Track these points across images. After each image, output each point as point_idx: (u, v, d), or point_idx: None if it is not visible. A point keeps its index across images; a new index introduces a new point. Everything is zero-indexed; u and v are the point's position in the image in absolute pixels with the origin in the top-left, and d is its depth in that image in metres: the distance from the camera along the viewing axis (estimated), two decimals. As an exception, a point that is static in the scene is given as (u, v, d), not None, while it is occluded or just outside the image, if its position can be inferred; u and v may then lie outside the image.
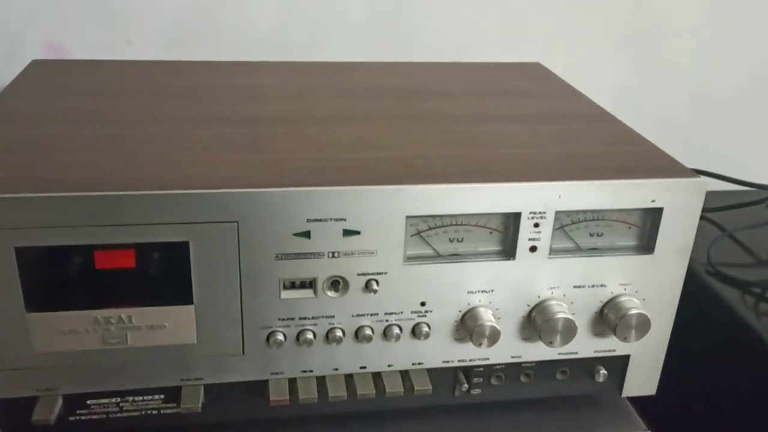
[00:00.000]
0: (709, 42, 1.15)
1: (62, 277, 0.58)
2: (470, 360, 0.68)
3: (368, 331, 0.64)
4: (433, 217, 0.62)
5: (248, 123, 0.73)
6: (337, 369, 0.66)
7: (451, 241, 0.64)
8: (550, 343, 0.66)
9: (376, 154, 0.67)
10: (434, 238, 0.64)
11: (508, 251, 0.65)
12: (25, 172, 0.60)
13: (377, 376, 0.67)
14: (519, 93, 0.89)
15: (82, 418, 0.64)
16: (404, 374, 0.68)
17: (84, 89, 0.82)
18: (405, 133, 0.72)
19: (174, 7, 1.01)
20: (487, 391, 0.71)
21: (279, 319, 0.63)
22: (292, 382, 0.66)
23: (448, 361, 0.68)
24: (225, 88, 0.85)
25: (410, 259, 0.63)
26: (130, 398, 0.65)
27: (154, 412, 0.66)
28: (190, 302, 0.61)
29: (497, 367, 0.70)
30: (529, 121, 0.78)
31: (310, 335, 0.63)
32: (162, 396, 0.65)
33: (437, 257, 0.64)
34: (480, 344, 0.65)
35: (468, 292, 0.65)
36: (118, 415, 0.65)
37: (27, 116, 0.73)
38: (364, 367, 0.67)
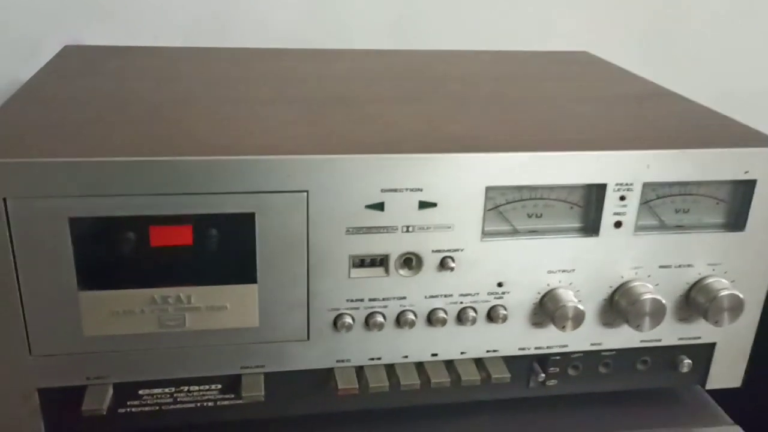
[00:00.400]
0: (733, 39, 1.12)
1: (117, 253, 0.54)
2: (547, 347, 0.64)
3: (442, 314, 0.60)
4: (514, 188, 0.58)
5: (305, 102, 0.69)
6: (406, 356, 0.62)
7: (529, 216, 0.60)
8: (638, 327, 0.61)
9: (449, 127, 0.62)
10: (512, 214, 0.59)
11: (591, 227, 0.60)
12: (79, 138, 0.56)
13: (450, 365, 0.62)
14: (578, 77, 0.85)
15: (133, 410, 0.60)
16: (478, 362, 0.63)
17: (124, 72, 0.79)
18: (473, 114, 0.68)
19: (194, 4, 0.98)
20: (564, 383, 0.66)
21: (347, 301, 0.58)
22: (359, 371, 0.61)
23: (524, 349, 0.63)
24: (270, 73, 0.81)
25: (488, 235, 0.59)
26: (185, 388, 0.60)
27: (211, 403, 0.61)
28: (254, 281, 0.56)
29: (575, 355, 0.65)
30: (600, 101, 0.74)
31: (380, 318, 0.59)
32: (219, 386, 0.60)
33: (515, 234, 0.60)
34: (563, 327, 0.60)
35: (548, 272, 0.61)
36: (172, 406, 0.60)
37: (67, 95, 0.69)
38: (436, 355, 0.62)
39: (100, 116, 0.62)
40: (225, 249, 0.55)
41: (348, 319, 0.58)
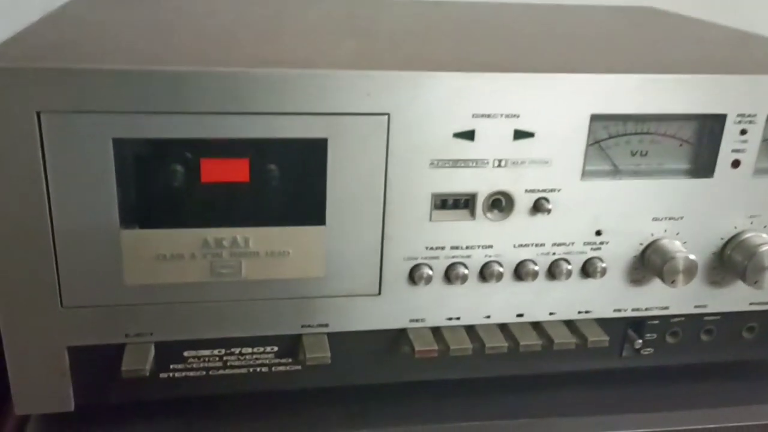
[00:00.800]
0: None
1: (167, 184, 0.46)
2: (646, 309, 0.56)
3: (531, 267, 0.52)
4: (619, 120, 0.51)
5: (378, 33, 0.62)
6: (488, 317, 0.54)
7: (633, 154, 0.52)
8: (756, 283, 0.53)
9: (544, 53, 0.55)
10: (614, 150, 0.52)
11: (703, 167, 0.52)
12: (124, 48, 0.49)
13: (537, 327, 0.54)
14: (658, 25, 0.78)
15: (176, 375, 0.52)
16: (569, 325, 0.55)
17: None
18: (565, 49, 0.61)
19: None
20: (661, 352, 0.58)
21: (427, 249, 0.51)
22: (435, 333, 0.53)
23: (620, 310, 0.55)
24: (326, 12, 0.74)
25: (587, 175, 0.51)
26: (237, 350, 0.52)
27: (265, 369, 0.53)
28: (322, 222, 0.48)
29: (675, 319, 0.57)
30: (694, 41, 0.67)
31: (462, 270, 0.51)
32: (275, 348, 0.52)
33: (617, 174, 0.52)
34: (674, 282, 0.52)
35: (652, 219, 0.53)
36: (221, 371, 0.52)
37: (107, 17, 0.61)
38: (521, 316, 0.54)
39: (146, 34, 0.54)
40: (290, 182, 0.47)
41: (426, 270, 0.51)
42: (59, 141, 0.44)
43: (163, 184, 0.46)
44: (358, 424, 0.53)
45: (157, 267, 0.48)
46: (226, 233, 0.48)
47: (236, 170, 0.47)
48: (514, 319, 0.54)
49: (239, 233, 0.48)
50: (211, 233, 0.48)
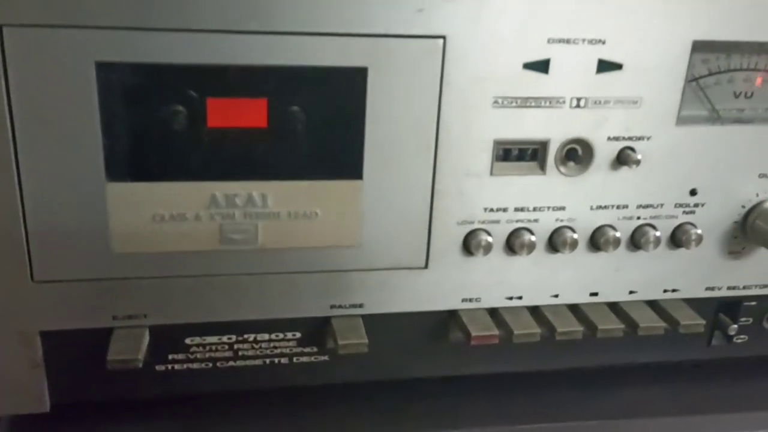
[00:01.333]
0: None
1: (165, 125, 0.37)
2: (743, 287, 0.46)
3: (611, 233, 0.42)
4: (722, 50, 0.41)
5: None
6: (557, 296, 0.44)
7: (736, 96, 0.43)
8: None
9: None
10: (714, 90, 0.42)
11: (821, 113, 0.43)
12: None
13: (615, 308, 0.45)
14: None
15: (176, 367, 0.42)
16: (654, 306, 0.45)
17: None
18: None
19: None
20: (756, 341, 0.49)
21: (486, 210, 0.41)
22: (492, 315, 0.44)
23: (713, 289, 0.46)
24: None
25: (684, 120, 0.41)
26: (251, 336, 0.42)
27: (285, 360, 0.43)
28: (358, 175, 0.39)
29: (776, 301, 0.48)
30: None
31: (528, 237, 0.41)
32: (298, 334, 0.42)
33: (716, 120, 0.42)
34: (787, 251, 0.43)
35: (759, 176, 0.43)
36: (231, 363, 0.42)
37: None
38: (595, 294, 0.45)
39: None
40: (319, 125, 0.38)
41: (484, 237, 0.41)
42: (27, 65, 0.34)
43: (160, 124, 0.36)
44: (399, 429, 0.44)
45: (153, 231, 0.38)
46: (239, 188, 0.38)
47: (251, 113, 0.38)
48: (587, 299, 0.45)
49: (255, 188, 0.38)
50: (221, 188, 0.38)
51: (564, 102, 0.39)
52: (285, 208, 0.39)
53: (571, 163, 0.41)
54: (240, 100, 0.37)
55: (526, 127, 0.40)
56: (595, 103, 0.40)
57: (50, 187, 0.36)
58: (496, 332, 0.42)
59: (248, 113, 0.38)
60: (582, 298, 0.44)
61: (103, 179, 0.36)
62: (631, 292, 0.45)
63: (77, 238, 0.37)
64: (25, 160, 0.35)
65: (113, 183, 0.37)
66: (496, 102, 0.39)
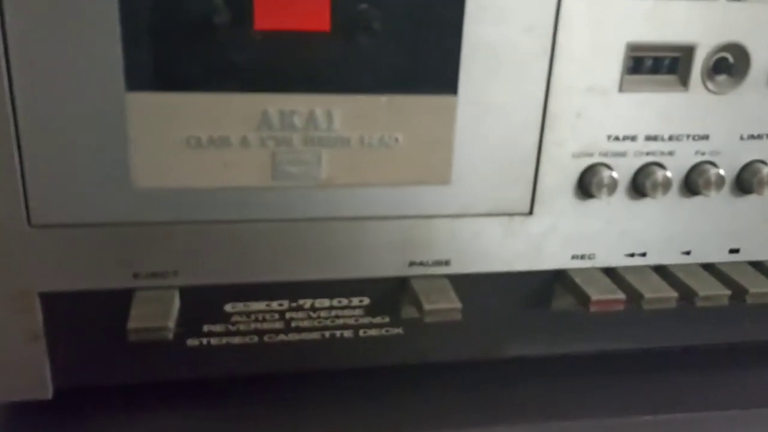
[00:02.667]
0: None
1: (200, 22, 0.28)
2: None
3: (765, 171, 0.33)
4: None
5: None
6: (688, 252, 0.35)
7: None
8: None
9: None
10: None
11: None
12: None
13: (761, 268, 0.36)
14: None
15: (212, 341, 0.33)
16: (807, 266, 0.36)
17: None
18: None
19: None
20: None
21: (610, 138, 0.32)
22: (610, 275, 0.34)
23: None
24: None
25: None
26: (307, 302, 0.33)
27: (349, 332, 0.34)
28: (452, 89, 0.30)
29: None
30: None
31: (661, 174, 0.32)
32: (366, 300, 0.33)
33: None
34: None
35: None
36: (281, 337, 0.33)
37: None
38: (736, 251, 0.36)
39: None
40: (400, 24, 0.29)
41: (606, 174, 0.32)
42: None
43: (194, 20, 0.27)
44: (494, 419, 0.35)
45: (186, 159, 0.29)
46: (298, 103, 0.29)
47: (310, 12, 0.29)
48: (725, 257, 0.35)
49: (319, 104, 0.29)
50: (275, 102, 0.29)
51: (719, -7, 0.30)
52: (356, 131, 0.30)
53: (722, 77, 0.32)
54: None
55: (668, 27, 0.30)
56: (760, -6, 0.31)
57: (51, 97, 0.27)
58: (622, 296, 0.33)
59: (306, 13, 0.29)
60: (720, 255, 0.35)
61: (122, 88, 0.28)
62: (782, 250, 0.36)
63: (87, 169, 0.28)
64: (18, 58, 0.27)
65: (135, 93, 0.28)
66: (631, -9, 0.30)
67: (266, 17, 0.29)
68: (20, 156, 0.28)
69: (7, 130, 0.27)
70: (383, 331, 0.34)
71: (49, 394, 0.32)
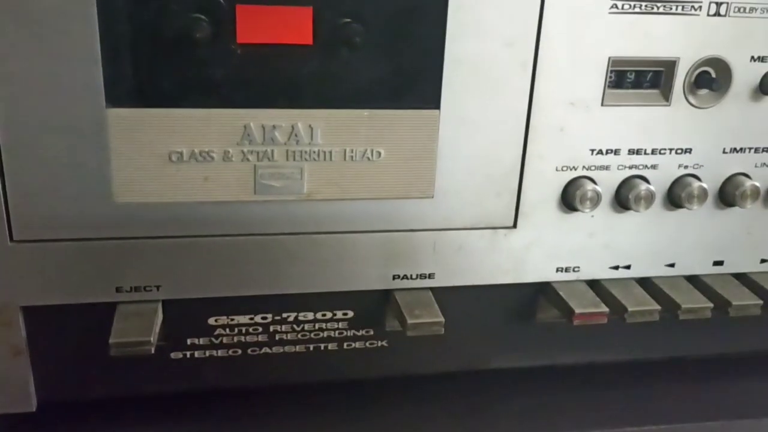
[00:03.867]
0: None
1: (182, 35, 0.28)
2: None
3: (748, 184, 0.33)
4: None
5: None
6: (673, 265, 0.35)
7: None
8: None
9: None
10: None
11: None
12: None
13: (744, 279, 0.36)
14: None
15: (196, 354, 0.33)
16: (791, 278, 0.36)
17: None
18: None
19: None
20: None
21: (593, 152, 0.32)
22: (594, 288, 0.35)
23: None
24: None
25: (841, 36, 0.32)
26: (291, 315, 0.33)
27: (333, 345, 0.34)
28: (435, 103, 0.30)
29: None
30: None
31: (643, 187, 0.32)
32: (350, 313, 0.33)
33: None
34: None
35: None
36: (265, 350, 0.33)
37: None
38: (720, 264, 0.36)
39: None
40: (383, 37, 0.29)
41: (589, 188, 0.32)
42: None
43: (175, 33, 0.27)
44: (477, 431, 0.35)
45: (168, 175, 0.29)
46: (280, 118, 0.29)
47: (293, 26, 0.29)
48: (709, 269, 0.36)
49: (301, 118, 0.29)
50: (257, 117, 0.29)
51: (700, 7, 0.30)
52: (339, 145, 0.30)
53: (703, 91, 0.32)
54: (278, 8, 0.28)
55: (650, 41, 0.31)
56: (739, 10, 0.31)
57: (31, 113, 0.27)
58: (605, 309, 0.33)
59: (289, 26, 0.29)
60: (704, 267, 0.35)
61: (102, 103, 0.28)
62: (763, 261, 0.36)
63: (68, 184, 0.28)
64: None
65: (116, 109, 0.28)
66: (614, 5, 0.30)
67: (249, 30, 0.29)
68: (1, 171, 0.28)
69: (-12, 148, 0.27)
70: (367, 344, 0.34)
71: (32, 407, 0.32)
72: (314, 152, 0.30)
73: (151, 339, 0.29)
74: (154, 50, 0.28)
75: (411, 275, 0.33)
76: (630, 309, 0.33)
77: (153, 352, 0.29)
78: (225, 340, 0.33)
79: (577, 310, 0.32)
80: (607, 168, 0.32)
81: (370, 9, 0.29)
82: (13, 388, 0.31)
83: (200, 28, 0.28)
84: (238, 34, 0.28)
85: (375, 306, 0.33)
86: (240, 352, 0.33)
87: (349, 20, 0.29)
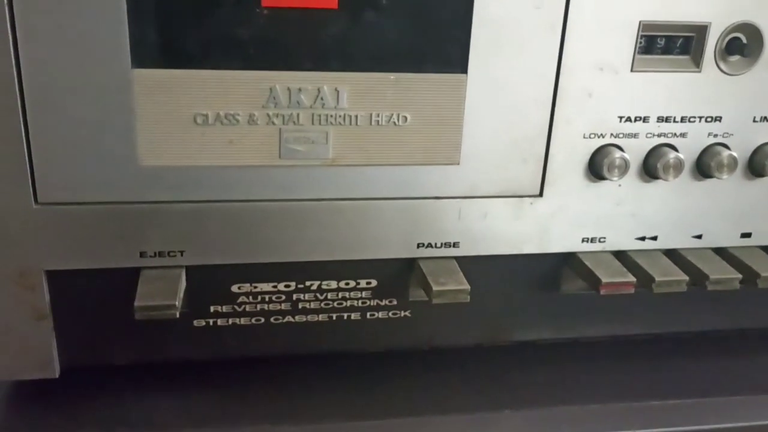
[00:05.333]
0: None
1: (207, -3, 0.27)
2: None
3: (779, 155, 0.33)
4: None
5: None
6: (700, 236, 0.35)
7: None
8: None
9: None
10: None
11: None
12: None
13: (772, 253, 0.35)
14: None
15: (219, 321, 0.33)
16: (821, 250, 0.36)
17: None
18: None
19: None
20: None
21: (620, 120, 0.32)
22: (621, 259, 0.34)
23: None
24: None
25: None
26: (314, 284, 0.33)
27: (356, 314, 0.34)
28: (462, 68, 0.30)
29: None
30: None
31: (673, 155, 0.32)
32: (373, 282, 0.33)
33: None
34: None
35: None
36: (288, 318, 0.33)
37: None
38: (748, 236, 0.35)
39: None
40: (410, 2, 0.29)
41: (617, 156, 0.31)
42: None
43: (201, -6, 0.27)
44: (499, 403, 0.34)
45: (192, 137, 0.29)
46: (306, 80, 0.29)
47: (318, -12, 0.28)
48: (737, 241, 0.35)
49: (327, 81, 0.29)
50: (282, 79, 0.29)
51: (733, -31, 0.30)
52: (365, 109, 0.30)
53: (734, 58, 0.31)
54: (304, -31, 0.28)
55: (681, 5, 0.30)
56: (773, -30, 0.30)
57: (56, 74, 0.27)
58: (632, 279, 0.32)
59: (315, -10, 0.28)
60: (731, 239, 0.35)
61: (128, 64, 0.27)
62: (795, 232, 0.35)
63: (93, 147, 0.28)
64: (26, 37, 0.26)
65: (141, 70, 0.27)
66: (644, -33, 0.29)
67: (274, -6, 0.28)
68: (26, 133, 0.28)
69: (14, 107, 0.27)
70: (390, 314, 0.34)
71: (56, 373, 0.32)
72: (340, 116, 0.29)
73: (176, 303, 0.29)
74: (179, 11, 0.27)
75: (435, 243, 0.32)
76: (657, 279, 0.32)
77: (178, 316, 0.29)
78: (248, 308, 0.33)
79: (604, 280, 0.32)
80: (635, 136, 0.32)
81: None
82: (36, 353, 0.31)
83: (225, -11, 0.28)
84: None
85: (399, 275, 0.33)
86: (263, 320, 0.33)
87: (375, -18, 0.29)
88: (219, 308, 0.33)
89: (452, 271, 0.32)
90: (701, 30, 0.31)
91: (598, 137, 0.32)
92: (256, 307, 0.33)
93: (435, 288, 0.31)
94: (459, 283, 0.31)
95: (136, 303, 0.29)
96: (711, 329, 0.38)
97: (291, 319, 0.33)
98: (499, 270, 0.34)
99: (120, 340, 0.32)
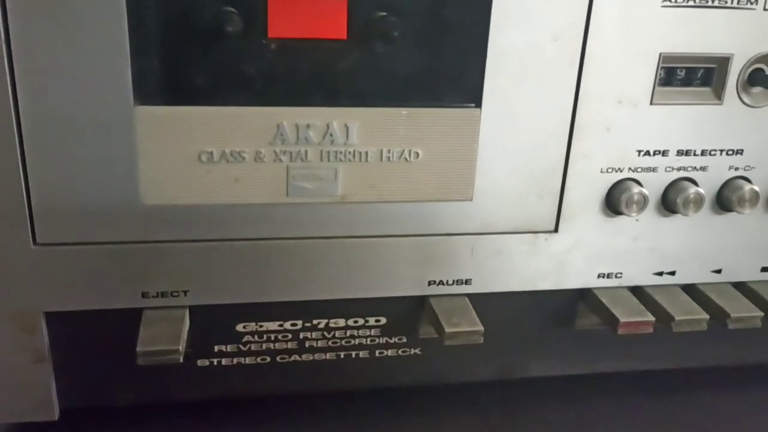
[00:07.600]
0: None
1: (212, 32, 0.26)
2: None
3: (802, 188, 0.32)
4: None
5: None
6: (719, 271, 0.34)
7: None
8: None
9: None
10: None
11: None
12: None
13: (794, 288, 0.34)
14: None
15: (224, 361, 0.32)
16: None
17: None
18: None
19: None
20: None
21: (639, 153, 0.31)
22: (638, 295, 0.33)
23: None
24: None
25: None
26: (322, 322, 0.32)
27: (365, 353, 0.33)
28: (476, 101, 0.28)
29: None
30: None
31: (692, 190, 0.31)
32: (383, 320, 0.32)
33: None
34: None
35: None
36: (295, 357, 0.32)
37: None
38: (767, 270, 0.34)
39: None
40: (422, 33, 0.27)
41: (636, 190, 0.30)
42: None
43: (204, 30, 0.26)
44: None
45: (197, 176, 0.28)
46: (314, 116, 0.28)
47: (326, 19, 0.27)
48: (757, 276, 0.34)
49: (336, 117, 0.28)
50: (290, 116, 0.28)
51: (756, 1, 0.29)
52: (375, 145, 0.28)
53: (757, 89, 0.30)
54: (311, 0, 0.27)
55: (703, 36, 0.29)
56: (802, 0, 0.29)
57: (57, 111, 0.26)
58: (651, 318, 0.31)
59: (322, 20, 0.27)
60: (752, 274, 0.34)
61: (130, 101, 0.26)
62: (820, 269, 0.34)
63: (93, 185, 0.27)
64: (24, 72, 0.25)
65: (144, 107, 0.26)
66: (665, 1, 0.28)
67: (280, 24, 0.27)
68: (25, 172, 0.27)
69: (12, 145, 0.26)
70: (400, 352, 0.33)
71: (55, 415, 0.31)
72: (349, 152, 0.28)
73: (180, 348, 0.28)
74: (183, 45, 0.26)
75: (447, 281, 0.31)
76: (677, 318, 0.31)
77: (181, 360, 0.28)
78: (253, 347, 0.32)
79: (622, 319, 0.31)
80: (654, 170, 0.31)
81: (408, 1, 0.27)
82: (35, 395, 0.30)
83: (230, 21, 0.27)
84: (270, 28, 0.27)
85: (409, 313, 0.32)
86: (269, 359, 0.32)
87: (385, 13, 0.28)
88: (223, 348, 0.31)
89: (465, 309, 0.31)
90: (723, 61, 0.30)
91: (616, 171, 0.31)
92: (261, 346, 0.32)
93: (447, 330, 0.30)
94: (472, 324, 0.30)
95: (138, 348, 0.28)
96: (730, 364, 0.37)
97: (298, 358, 0.32)
98: (513, 306, 0.33)
99: (121, 381, 0.31)
